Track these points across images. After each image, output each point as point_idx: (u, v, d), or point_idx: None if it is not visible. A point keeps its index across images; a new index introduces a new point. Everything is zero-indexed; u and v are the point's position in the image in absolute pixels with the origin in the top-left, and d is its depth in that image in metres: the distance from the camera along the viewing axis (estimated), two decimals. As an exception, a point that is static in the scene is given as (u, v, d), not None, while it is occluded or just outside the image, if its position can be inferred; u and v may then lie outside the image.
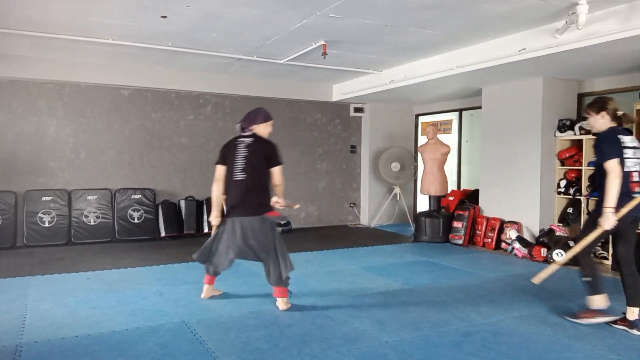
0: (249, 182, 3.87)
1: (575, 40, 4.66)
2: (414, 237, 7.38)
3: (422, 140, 9.23)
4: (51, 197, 6.87)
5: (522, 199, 6.57)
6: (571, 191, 6.22)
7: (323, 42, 5.54)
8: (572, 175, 6.32)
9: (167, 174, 7.75)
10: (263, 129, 4.09)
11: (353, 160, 9.34)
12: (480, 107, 7.38)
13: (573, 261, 3.78)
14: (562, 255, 5.72)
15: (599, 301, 3.65)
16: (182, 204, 7.61)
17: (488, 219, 6.89)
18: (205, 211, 7.71)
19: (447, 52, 6.13)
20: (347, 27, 5.05)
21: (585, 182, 6.08)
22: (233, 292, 4.44)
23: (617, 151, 3.44)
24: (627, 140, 3.53)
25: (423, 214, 7.40)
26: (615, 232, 3.54)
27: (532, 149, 6.42)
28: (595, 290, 3.66)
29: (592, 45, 4.61)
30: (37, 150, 6.95)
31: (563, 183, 6.37)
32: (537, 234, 6.34)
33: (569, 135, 6.25)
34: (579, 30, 4.40)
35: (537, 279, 3.78)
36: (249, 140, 3.99)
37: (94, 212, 7.06)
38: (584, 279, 3.68)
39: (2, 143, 6.76)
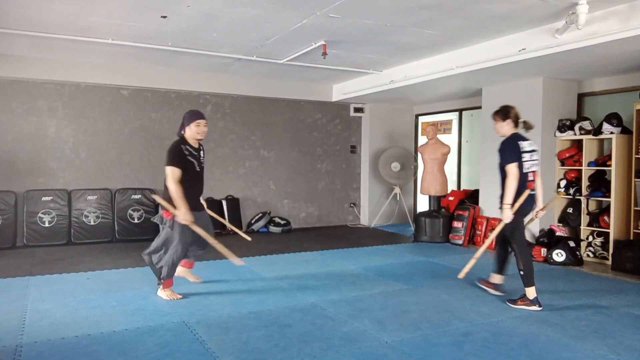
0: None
1: (575, 40, 4.66)
2: (414, 237, 7.38)
3: (422, 140, 9.23)
4: (51, 197, 6.87)
5: (522, 199, 6.56)
6: (571, 191, 6.22)
7: (323, 42, 5.54)
8: (572, 175, 6.32)
9: (167, 174, 7.75)
10: (188, 133, 4.23)
11: (353, 160, 9.34)
12: (480, 107, 7.38)
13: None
14: (562, 255, 5.73)
15: (498, 279, 4.44)
16: (182, 204, 7.60)
17: (488, 219, 6.90)
18: (205, 211, 7.72)
19: (447, 52, 6.13)
20: (347, 27, 5.06)
21: (585, 182, 6.08)
22: (233, 292, 4.44)
23: (517, 156, 3.99)
24: (526, 145, 4.07)
25: (423, 214, 7.40)
26: (512, 223, 4.04)
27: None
28: (500, 270, 4.43)
29: (592, 45, 4.61)
30: (37, 150, 6.95)
31: (563, 183, 6.37)
32: (537, 234, 6.34)
33: (569, 136, 6.25)
34: (579, 30, 4.40)
35: (461, 274, 4.21)
36: None
37: (94, 212, 7.06)
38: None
39: (2, 143, 6.76)
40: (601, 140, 6.19)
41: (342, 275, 5.18)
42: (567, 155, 6.32)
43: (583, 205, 6.05)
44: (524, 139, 4.13)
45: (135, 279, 4.90)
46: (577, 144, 6.31)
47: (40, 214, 6.77)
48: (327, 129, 9.06)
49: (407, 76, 6.83)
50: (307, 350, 3.14)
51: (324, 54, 5.67)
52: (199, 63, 6.96)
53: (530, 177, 4.09)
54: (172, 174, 4.02)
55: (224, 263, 5.74)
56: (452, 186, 8.22)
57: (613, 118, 5.78)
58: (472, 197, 7.55)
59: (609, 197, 5.77)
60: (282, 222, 8.24)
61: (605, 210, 5.91)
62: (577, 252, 5.76)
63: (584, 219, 6.05)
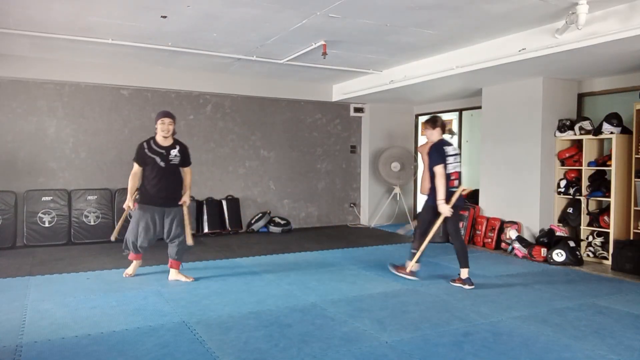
0: None
1: (575, 40, 4.66)
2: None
3: (422, 140, 9.22)
4: (51, 197, 6.87)
5: (522, 199, 6.58)
6: (571, 191, 6.22)
7: (323, 42, 5.54)
8: (572, 175, 6.32)
9: (167, 174, 7.74)
10: (157, 131, 4.84)
11: (353, 160, 9.34)
12: (480, 107, 7.38)
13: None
14: (562, 255, 5.73)
15: (416, 266, 5.02)
16: (182, 204, 7.60)
17: (488, 219, 6.90)
18: (205, 211, 7.72)
19: (447, 52, 6.13)
20: (347, 27, 5.06)
21: (585, 182, 6.08)
22: (233, 292, 4.44)
23: (443, 159, 4.68)
24: (450, 149, 4.78)
25: (423, 214, 7.39)
26: (446, 217, 4.70)
27: (532, 149, 6.42)
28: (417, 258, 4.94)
29: (592, 45, 4.61)
30: (37, 150, 6.95)
31: (563, 183, 6.37)
32: (537, 234, 6.35)
33: (569, 135, 6.25)
34: (579, 30, 4.40)
35: (409, 268, 4.90)
36: None
37: (94, 212, 7.06)
38: (412, 250, 4.93)
39: (2, 143, 6.76)
40: (601, 140, 6.19)
41: (342, 275, 5.18)
42: (567, 155, 6.32)
43: (583, 205, 6.05)
44: (449, 144, 4.84)
45: (135, 279, 4.89)
46: (577, 144, 6.31)
47: (40, 214, 6.77)
48: (327, 129, 9.05)
49: (407, 76, 6.83)
50: (307, 350, 3.14)
51: (324, 54, 5.66)
52: (199, 63, 6.96)
53: (453, 177, 4.77)
54: (133, 168, 4.77)
55: (224, 263, 5.74)
56: (452, 186, 8.21)
57: (613, 118, 5.78)
58: (472, 197, 7.55)
59: (609, 197, 5.77)
60: (282, 222, 8.24)
61: (605, 210, 5.91)
62: (577, 252, 5.76)
63: (584, 219, 6.05)
